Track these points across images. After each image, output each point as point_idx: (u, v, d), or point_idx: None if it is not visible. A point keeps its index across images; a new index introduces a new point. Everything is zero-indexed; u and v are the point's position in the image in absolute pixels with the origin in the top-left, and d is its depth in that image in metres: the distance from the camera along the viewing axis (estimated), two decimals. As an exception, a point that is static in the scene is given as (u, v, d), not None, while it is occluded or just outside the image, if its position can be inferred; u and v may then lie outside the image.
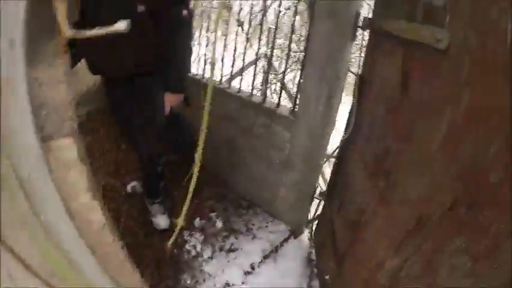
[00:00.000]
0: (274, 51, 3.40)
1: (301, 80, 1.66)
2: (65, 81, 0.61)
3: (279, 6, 1.86)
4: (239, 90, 2.08)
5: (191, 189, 0.71)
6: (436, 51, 0.82)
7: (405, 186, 0.96)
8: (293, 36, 1.97)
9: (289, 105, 3.79)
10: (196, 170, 0.70)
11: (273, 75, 3.98)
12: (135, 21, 1.53)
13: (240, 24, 2.42)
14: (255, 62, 2.10)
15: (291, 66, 4.03)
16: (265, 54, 3.16)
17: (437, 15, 0.85)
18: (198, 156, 0.69)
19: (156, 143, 1.88)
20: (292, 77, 4.44)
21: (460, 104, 0.74)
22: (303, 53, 1.68)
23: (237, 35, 2.51)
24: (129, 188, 2.33)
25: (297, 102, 1.72)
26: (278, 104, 1.86)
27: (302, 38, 4.10)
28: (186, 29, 1.68)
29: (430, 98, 0.88)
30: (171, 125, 1.80)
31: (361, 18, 1.46)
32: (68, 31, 0.65)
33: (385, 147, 1.10)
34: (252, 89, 2.01)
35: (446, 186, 0.77)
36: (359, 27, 1.48)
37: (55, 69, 0.61)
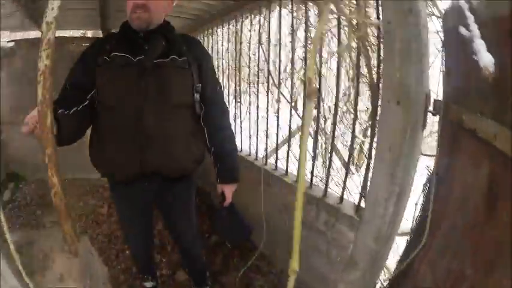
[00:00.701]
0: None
1: (369, 177, 1.49)
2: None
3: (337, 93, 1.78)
4: (296, 179, 1.96)
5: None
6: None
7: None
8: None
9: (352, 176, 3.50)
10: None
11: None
12: (192, 112, 1.49)
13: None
14: (314, 145, 1.99)
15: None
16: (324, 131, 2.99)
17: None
18: (294, 263, 0.56)
19: (198, 234, 1.86)
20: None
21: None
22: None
23: (291, 114, 2.34)
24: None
25: (363, 197, 1.54)
26: (341, 199, 1.68)
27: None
28: (228, 113, 1.64)
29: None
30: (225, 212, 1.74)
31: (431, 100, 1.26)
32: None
33: (461, 270, 0.88)
34: (312, 180, 1.88)
35: None
36: (430, 112, 1.30)
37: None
